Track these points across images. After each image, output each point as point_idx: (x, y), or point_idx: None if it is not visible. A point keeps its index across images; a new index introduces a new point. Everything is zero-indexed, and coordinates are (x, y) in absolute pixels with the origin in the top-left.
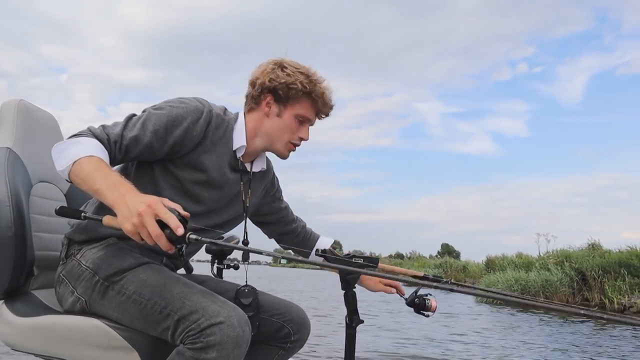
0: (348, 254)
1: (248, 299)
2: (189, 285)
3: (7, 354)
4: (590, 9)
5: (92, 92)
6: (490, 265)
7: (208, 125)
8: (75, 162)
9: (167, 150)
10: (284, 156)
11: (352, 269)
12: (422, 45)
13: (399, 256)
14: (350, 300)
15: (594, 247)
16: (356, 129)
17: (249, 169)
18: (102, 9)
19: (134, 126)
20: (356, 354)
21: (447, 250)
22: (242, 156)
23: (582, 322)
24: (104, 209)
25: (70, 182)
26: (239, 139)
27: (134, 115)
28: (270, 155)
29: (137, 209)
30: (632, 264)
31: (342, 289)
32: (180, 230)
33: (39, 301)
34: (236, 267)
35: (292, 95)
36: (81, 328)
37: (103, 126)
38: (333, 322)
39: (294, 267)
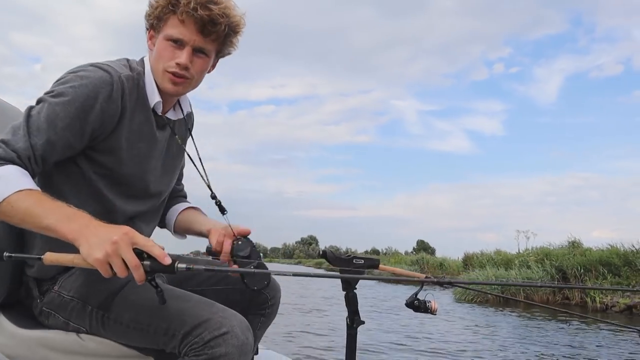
0: (348, 255)
1: (246, 251)
2: (185, 298)
3: None
4: (565, 12)
5: None
6: (468, 261)
7: (123, 95)
8: (1, 203)
9: (87, 140)
10: (168, 90)
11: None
12: (400, 43)
13: (375, 252)
14: (351, 301)
15: (574, 245)
16: (334, 125)
17: (175, 118)
18: None
19: (39, 129)
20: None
21: (423, 247)
22: (162, 109)
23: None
24: (52, 243)
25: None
26: (152, 95)
27: (32, 108)
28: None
29: (110, 237)
30: (613, 263)
31: (343, 289)
32: (167, 260)
33: None
34: None
35: (162, 17)
36: (92, 343)
37: (4, 142)
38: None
39: (270, 261)
